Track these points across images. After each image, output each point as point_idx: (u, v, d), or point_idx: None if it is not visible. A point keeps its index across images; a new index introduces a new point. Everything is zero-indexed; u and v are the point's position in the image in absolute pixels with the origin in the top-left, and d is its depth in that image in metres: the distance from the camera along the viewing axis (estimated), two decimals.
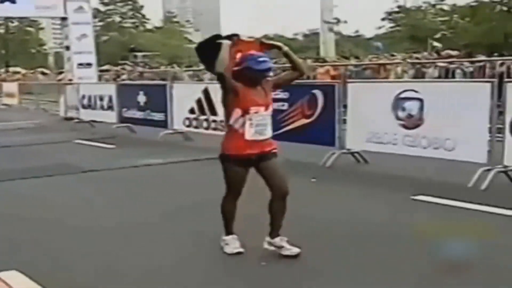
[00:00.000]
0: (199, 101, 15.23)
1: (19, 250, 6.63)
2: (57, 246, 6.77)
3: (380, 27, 56.27)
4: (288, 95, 12.53)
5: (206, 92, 15.08)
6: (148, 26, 70.85)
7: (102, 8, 68.49)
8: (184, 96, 16.00)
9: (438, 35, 46.96)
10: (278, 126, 12.61)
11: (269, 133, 6.07)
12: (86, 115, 21.06)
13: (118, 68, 45.41)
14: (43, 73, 53.26)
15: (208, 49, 5.98)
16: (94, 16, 36.00)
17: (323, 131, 11.82)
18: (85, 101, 21.13)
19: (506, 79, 11.10)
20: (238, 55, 5.94)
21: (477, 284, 5.33)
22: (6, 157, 13.46)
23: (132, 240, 6.94)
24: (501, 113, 9.56)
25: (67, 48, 25.44)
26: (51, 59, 79.02)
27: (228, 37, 6.04)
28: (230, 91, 5.94)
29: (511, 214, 7.53)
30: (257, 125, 5.91)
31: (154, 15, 72.90)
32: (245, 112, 5.87)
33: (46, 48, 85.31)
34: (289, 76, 6.37)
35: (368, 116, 11.11)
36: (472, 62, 18.51)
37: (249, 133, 5.90)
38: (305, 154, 11.83)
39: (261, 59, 5.89)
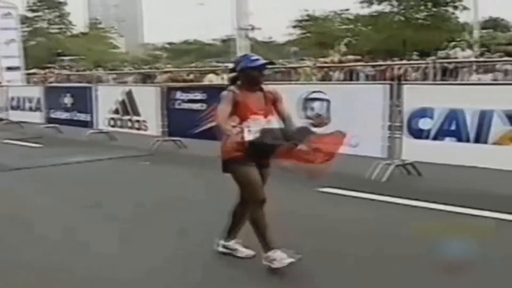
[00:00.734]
0: (122, 102, 15.11)
1: None
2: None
3: (291, 34, 56.94)
4: (206, 96, 12.61)
5: (129, 94, 15.00)
6: (74, 32, 69.66)
7: (30, 15, 67.02)
8: (108, 97, 15.82)
9: (344, 41, 47.55)
10: (197, 125, 12.72)
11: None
12: (14, 116, 20.55)
13: (46, 71, 44.46)
14: None
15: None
16: (22, 22, 35.16)
17: None
18: (14, 103, 20.61)
19: (403, 81, 11.34)
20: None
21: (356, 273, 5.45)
22: None
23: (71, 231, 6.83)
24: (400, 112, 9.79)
25: None
26: None
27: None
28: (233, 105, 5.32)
29: (409, 203, 7.74)
30: (255, 133, 5.30)
31: (79, 22, 71.70)
32: (243, 120, 5.33)
33: None
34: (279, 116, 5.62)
35: None
36: (373, 66, 18.85)
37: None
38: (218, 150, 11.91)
39: (254, 57, 5.53)
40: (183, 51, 63.02)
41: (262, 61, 5.49)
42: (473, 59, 21.97)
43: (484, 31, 43.77)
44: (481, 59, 22.68)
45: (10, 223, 7.27)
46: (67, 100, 17.34)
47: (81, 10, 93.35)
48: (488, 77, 18.10)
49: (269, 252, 5.25)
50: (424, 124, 9.40)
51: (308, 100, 10.77)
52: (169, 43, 71.19)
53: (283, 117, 5.58)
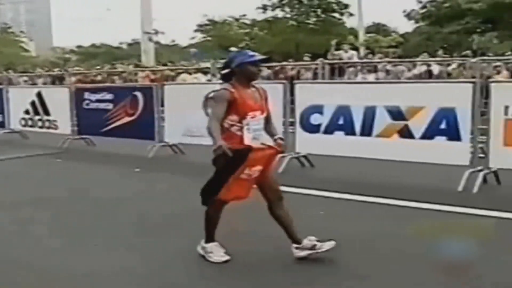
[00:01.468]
0: (33, 103, 14.71)
1: None
2: None
3: (193, 38, 56.80)
4: (113, 97, 12.52)
5: (39, 95, 14.65)
6: None
7: None
8: (19, 99, 15.39)
9: (242, 45, 47.80)
10: (104, 124, 12.56)
11: (264, 138, 5.13)
12: None
13: None
14: None
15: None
16: None
17: (145, 127, 11.85)
18: None
19: (295, 81, 11.48)
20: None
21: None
22: None
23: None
24: (293, 110, 9.92)
25: None
26: None
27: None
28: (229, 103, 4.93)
29: (303, 192, 7.84)
30: (254, 130, 4.99)
31: None
32: (242, 118, 4.92)
33: None
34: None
35: (183, 114, 11.18)
36: (268, 67, 19.00)
37: (248, 139, 4.95)
38: (130, 148, 11.83)
39: (251, 53, 5.11)
40: (92, 54, 61.91)
41: (260, 56, 5.16)
42: (357, 60, 22.51)
43: (368, 35, 44.88)
44: (366, 60, 23.27)
45: None
46: None
47: None
48: (372, 77, 18.56)
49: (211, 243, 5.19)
50: (315, 119, 9.56)
51: (208, 98, 10.78)
52: (78, 46, 69.78)
53: (268, 116, 5.19)
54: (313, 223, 5.91)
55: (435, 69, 18.66)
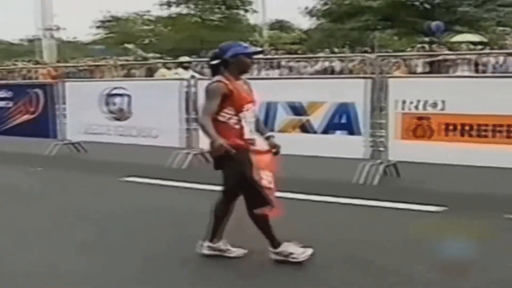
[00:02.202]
0: None
1: None
2: None
3: (96, 34, 55.67)
4: (12, 94, 12.17)
5: None
6: None
7: None
8: None
9: (146, 41, 47.32)
10: (4, 122, 12.14)
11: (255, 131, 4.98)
12: None
13: None
14: None
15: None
16: None
17: (46, 125, 11.58)
18: None
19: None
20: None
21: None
22: None
23: None
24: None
25: None
26: None
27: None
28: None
29: (207, 188, 7.71)
30: (249, 123, 4.84)
31: None
32: (239, 111, 4.75)
33: None
34: None
35: (85, 111, 10.99)
36: (173, 63, 18.86)
37: (246, 132, 4.81)
38: (31, 146, 11.49)
39: (245, 44, 4.94)
40: None
41: (255, 49, 5.11)
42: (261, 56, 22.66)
43: (271, 32, 45.39)
44: (269, 56, 23.47)
45: None
46: None
47: None
48: (275, 73, 18.77)
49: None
50: None
51: (110, 95, 10.64)
52: None
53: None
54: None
55: (337, 65, 19.05)
